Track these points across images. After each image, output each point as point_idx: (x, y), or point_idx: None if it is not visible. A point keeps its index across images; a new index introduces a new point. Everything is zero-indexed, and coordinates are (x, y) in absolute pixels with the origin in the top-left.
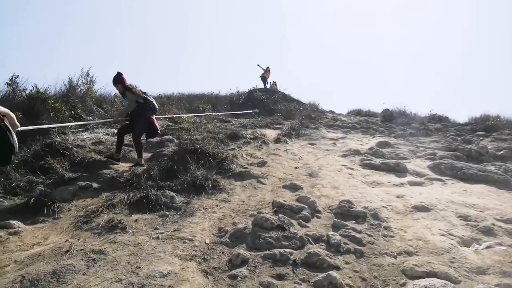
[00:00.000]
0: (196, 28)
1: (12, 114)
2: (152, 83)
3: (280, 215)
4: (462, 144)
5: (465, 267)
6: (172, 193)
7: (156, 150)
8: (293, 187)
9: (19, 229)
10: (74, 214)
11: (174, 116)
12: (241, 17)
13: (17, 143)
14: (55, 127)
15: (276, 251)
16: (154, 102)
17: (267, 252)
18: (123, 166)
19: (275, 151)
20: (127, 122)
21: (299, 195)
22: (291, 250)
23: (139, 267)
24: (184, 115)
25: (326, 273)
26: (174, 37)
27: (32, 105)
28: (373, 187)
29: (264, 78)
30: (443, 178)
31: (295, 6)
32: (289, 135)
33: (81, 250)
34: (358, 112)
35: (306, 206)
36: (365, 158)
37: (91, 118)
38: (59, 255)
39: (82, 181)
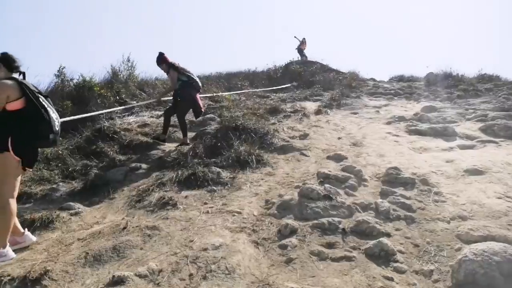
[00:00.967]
0: (228, 6)
1: None
2: (190, 64)
3: (326, 185)
4: None
5: None
6: (218, 169)
7: (199, 129)
8: (337, 158)
9: (79, 210)
10: (127, 194)
11: (215, 95)
12: None
13: (56, 121)
14: (102, 113)
15: (324, 220)
16: (197, 79)
17: (315, 221)
18: (169, 146)
19: (317, 123)
20: (170, 104)
21: (344, 165)
22: (339, 219)
23: (192, 241)
24: (224, 93)
25: (377, 240)
26: (211, 18)
27: (80, 93)
28: (420, 153)
29: (300, 50)
30: (497, 139)
31: None
32: (330, 106)
33: (137, 226)
34: (400, 78)
35: (352, 175)
36: (411, 124)
37: (135, 102)
38: (117, 232)
39: (132, 163)
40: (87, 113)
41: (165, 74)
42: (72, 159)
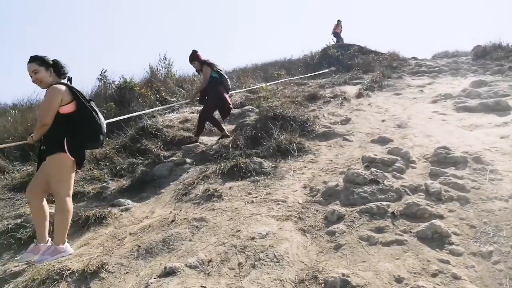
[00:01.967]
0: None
1: None
2: (227, 58)
3: (372, 169)
4: None
5: None
6: (259, 160)
7: (238, 121)
8: (382, 141)
9: (129, 206)
10: (173, 188)
11: (252, 88)
12: None
13: (104, 123)
14: (142, 113)
15: (372, 205)
16: (228, 79)
17: (363, 206)
18: (210, 140)
19: (358, 106)
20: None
21: (389, 147)
22: (388, 203)
23: (239, 230)
24: (261, 84)
25: (429, 222)
26: (243, 10)
27: (121, 94)
28: (471, 130)
29: (336, 34)
30: None
31: None
32: (371, 88)
33: (185, 219)
34: (444, 54)
35: (398, 158)
36: (459, 101)
37: (175, 99)
38: (166, 225)
39: (176, 158)
40: (130, 113)
41: (196, 72)
42: (119, 157)
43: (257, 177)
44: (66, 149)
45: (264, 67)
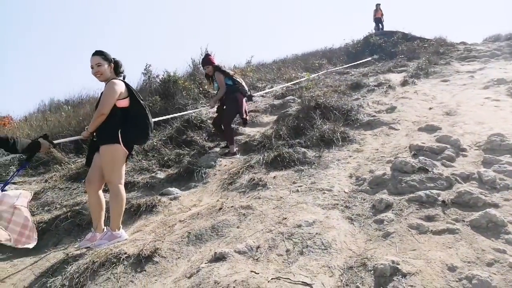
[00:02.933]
0: None
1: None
2: (267, 48)
3: (421, 158)
4: None
5: None
6: (303, 149)
7: (280, 111)
8: (430, 129)
9: (177, 194)
10: (219, 177)
11: (293, 82)
12: None
13: (152, 122)
14: (185, 114)
15: (421, 193)
16: (244, 84)
17: (412, 195)
18: (253, 131)
19: (404, 94)
20: (216, 113)
21: (438, 135)
22: (438, 191)
23: (285, 218)
24: (302, 74)
25: (483, 211)
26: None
27: (166, 88)
28: None
29: (377, 20)
30: None
31: None
32: (417, 75)
33: (232, 207)
34: (496, 38)
35: (448, 146)
36: None
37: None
38: (214, 213)
39: (220, 149)
40: (174, 105)
41: (206, 78)
42: (166, 149)
43: (301, 167)
44: (120, 140)
45: (304, 57)
